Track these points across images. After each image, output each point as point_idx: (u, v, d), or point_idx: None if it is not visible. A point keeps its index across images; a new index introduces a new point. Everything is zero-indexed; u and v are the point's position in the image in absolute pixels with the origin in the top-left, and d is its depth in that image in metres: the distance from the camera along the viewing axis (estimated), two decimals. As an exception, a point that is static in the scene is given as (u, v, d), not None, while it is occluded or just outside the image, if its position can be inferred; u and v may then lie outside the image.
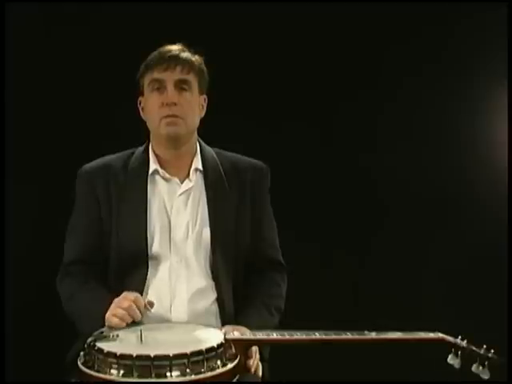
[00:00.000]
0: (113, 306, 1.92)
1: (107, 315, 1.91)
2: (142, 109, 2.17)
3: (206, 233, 2.10)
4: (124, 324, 1.88)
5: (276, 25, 2.89)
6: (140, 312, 1.90)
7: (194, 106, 2.13)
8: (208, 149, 2.21)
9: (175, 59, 2.08)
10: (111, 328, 1.87)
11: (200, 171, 2.16)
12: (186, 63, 2.10)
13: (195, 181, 2.14)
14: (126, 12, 2.80)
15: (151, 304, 1.94)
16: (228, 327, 1.95)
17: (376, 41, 2.95)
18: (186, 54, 2.11)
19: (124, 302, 1.91)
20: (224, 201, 2.13)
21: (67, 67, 2.82)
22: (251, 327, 1.97)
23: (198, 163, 2.16)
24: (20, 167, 2.80)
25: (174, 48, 2.12)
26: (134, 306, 1.89)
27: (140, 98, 2.18)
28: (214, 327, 1.91)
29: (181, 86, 2.09)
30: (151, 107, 2.11)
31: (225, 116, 2.62)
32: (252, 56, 2.88)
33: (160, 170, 2.13)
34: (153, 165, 2.14)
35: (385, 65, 2.98)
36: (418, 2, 2.90)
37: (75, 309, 2.04)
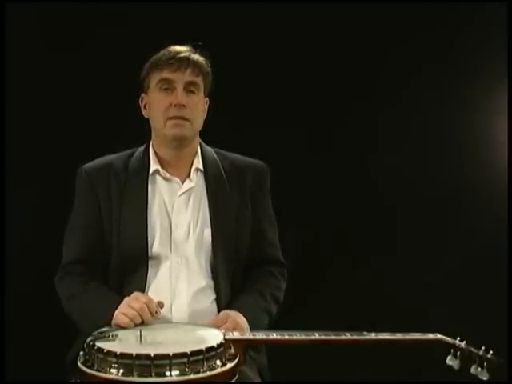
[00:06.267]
0: (123, 304, 1.91)
1: (116, 312, 1.90)
2: (144, 106, 2.17)
3: (208, 233, 2.10)
4: (133, 324, 1.87)
5: (277, 25, 2.89)
6: (152, 315, 1.89)
7: (201, 108, 2.14)
8: (208, 149, 2.22)
9: (186, 60, 2.08)
10: (118, 326, 1.87)
11: (201, 171, 2.16)
12: (196, 65, 2.10)
13: (196, 181, 2.15)
14: (126, 11, 2.80)
15: (161, 305, 1.93)
16: (222, 314, 1.98)
17: (377, 42, 2.94)
18: (196, 56, 2.11)
19: (136, 303, 1.90)
20: (225, 201, 2.14)
21: (67, 67, 2.82)
22: (243, 309, 2.00)
23: (198, 163, 2.16)
24: (20, 167, 2.80)
25: (184, 49, 2.11)
26: (147, 309, 1.89)
27: (143, 96, 2.17)
28: (213, 327, 1.91)
29: (190, 88, 2.09)
30: (157, 107, 2.10)
31: (225, 116, 2.61)
32: (252, 56, 2.88)
33: (161, 170, 2.13)
34: (153, 165, 2.14)
35: (386, 65, 2.98)
36: (418, 3, 2.90)
37: (78, 307, 2.03)
